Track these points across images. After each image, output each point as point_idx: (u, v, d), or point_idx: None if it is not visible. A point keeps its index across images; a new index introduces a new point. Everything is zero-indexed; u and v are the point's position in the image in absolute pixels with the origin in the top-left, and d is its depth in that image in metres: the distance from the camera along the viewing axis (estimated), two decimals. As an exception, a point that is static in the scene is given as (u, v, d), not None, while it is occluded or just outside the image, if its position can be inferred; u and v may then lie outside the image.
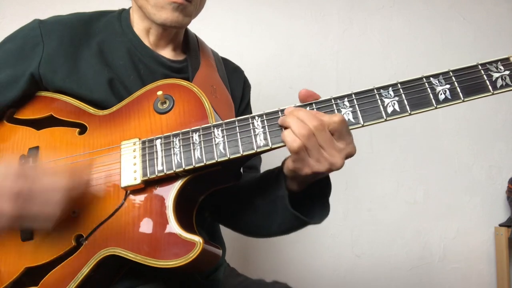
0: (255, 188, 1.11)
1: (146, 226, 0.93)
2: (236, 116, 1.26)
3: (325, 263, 2.23)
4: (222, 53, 1.41)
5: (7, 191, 0.85)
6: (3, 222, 0.88)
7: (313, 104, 0.93)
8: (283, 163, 1.00)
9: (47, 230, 0.95)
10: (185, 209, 0.99)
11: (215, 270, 1.22)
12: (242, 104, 1.37)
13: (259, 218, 1.11)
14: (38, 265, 0.96)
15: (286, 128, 0.91)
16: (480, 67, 0.89)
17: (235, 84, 1.36)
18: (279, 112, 0.93)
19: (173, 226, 0.91)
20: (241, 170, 1.08)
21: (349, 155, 0.91)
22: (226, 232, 1.32)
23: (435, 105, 0.88)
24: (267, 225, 1.10)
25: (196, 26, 1.32)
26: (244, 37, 2.28)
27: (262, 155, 1.32)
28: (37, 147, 1.06)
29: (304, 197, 1.04)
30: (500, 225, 2.37)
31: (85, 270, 0.92)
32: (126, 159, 0.98)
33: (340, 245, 2.25)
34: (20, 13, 2.04)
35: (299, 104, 0.95)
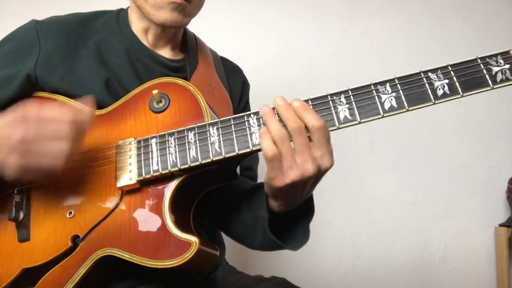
0: (245, 200, 1.10)
1: (142, 226, 0.93)
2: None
3: (325, 263, 2.22)
4: (222, 53, 1.41)
5: (10, 141, 0.85)
6: (9, 176, 0.87)
7: (310, 101, 0.91)
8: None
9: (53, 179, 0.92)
10: (181, 209, 0.98)
11: (214, 269, 1.22)
12: (240, 104, 1.37)
13: (245, 231, 1.10)
14: (35, 266, 0.95)
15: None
16: (479, 61, 0.87)
17: (234, 83, 1.36)
18: (275, 110, 0.91)
19: (169, 226, 0.91)
20: (237, 169, 1.07)
21: (324, 167, 0.87)
22: (225, 232, 1.32)
23: (433, 101, 0.86)
24: (251, 240, 1.09)
25: (196, 26, 1.32)
26: (244, 37, 2.28)
27: (260, 155, 1.32)
28: (34, 147, 1.05)
29: (286, 220, 1.02)
30: (500, 225, 2.37)
31: (82, 271, 0.92)
32: (122, 159, 0.97)
33: (340, 245, 2.25)
34: (19, 13, 2.04)
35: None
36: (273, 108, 0.90)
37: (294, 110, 0.87)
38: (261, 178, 1.26)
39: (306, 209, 1.01)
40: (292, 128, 0.85)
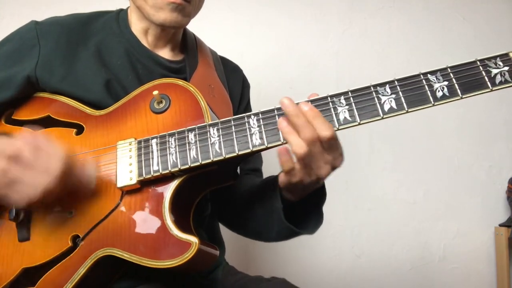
0: (256, 196, 1.11)
1: (142, 226, 0.93)
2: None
3: (325, 263, 2.22)
4: (222, 53, 1.41)
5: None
6: None
7: (310, 103, 0.90)
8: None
9: (25, 206, 0.91)
10: (181, 209, 0.98)
11: (214, 270, 1.22)
12: (242, 104, 1.37)
13: (259, 226, 1.12)
14: (35, 265, 0.95)
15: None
16: (478, 63, 0.87)
17: (234, 83, 1.36)
18: (275, 111, 0.92)
19: (169, 226, 0.91)
20: (238, 170, 1.07)
21: (337, 166, 0.93)
22: (225, 232, 1.32)
23: (432, 102, 0.86)
24: (266, 233, 1.11)
25: (196, 26, 1.32)
26: (244, 37, 2.28)
27: (264, 155, 1.32)
28: (34, 148, 1.06)
29: (300, 207, 1.04)
30: (500, 225, 2.37)
31: (82, 271, 0.92)
32: (122, 159, 0.98)
33: (340, 245, 2.25)
34: (19, 13, 2.04)
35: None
36: (278, 108, 0.92)
37: (304, 115, 0.88)
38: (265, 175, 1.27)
39: (318, 194, 1.03)
40: (306, 138, 0.87)
